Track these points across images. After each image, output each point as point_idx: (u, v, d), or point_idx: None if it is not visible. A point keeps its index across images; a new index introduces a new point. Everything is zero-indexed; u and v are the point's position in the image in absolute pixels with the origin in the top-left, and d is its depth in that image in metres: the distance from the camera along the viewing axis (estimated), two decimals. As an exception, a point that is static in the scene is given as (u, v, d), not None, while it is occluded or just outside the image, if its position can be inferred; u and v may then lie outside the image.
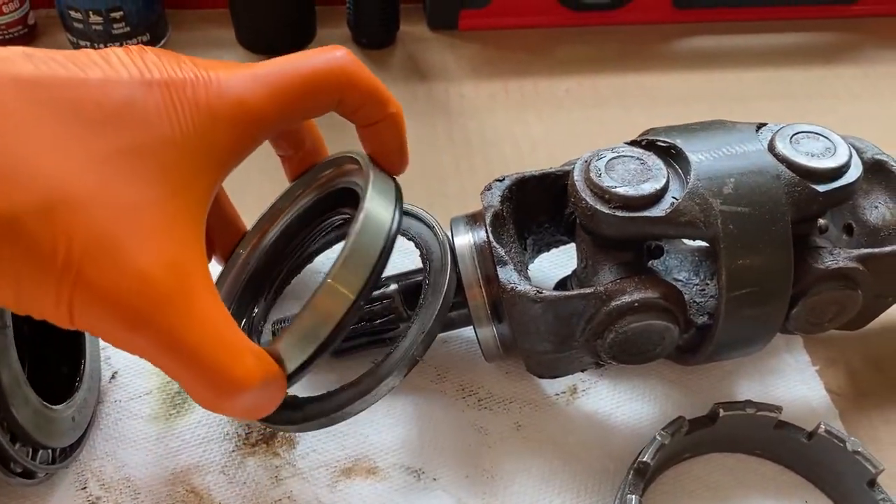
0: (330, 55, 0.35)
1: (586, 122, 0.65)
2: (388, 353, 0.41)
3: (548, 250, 0.50)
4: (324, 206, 0.44)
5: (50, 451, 0.39)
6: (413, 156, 0.62)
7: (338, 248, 0.38)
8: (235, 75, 0.32)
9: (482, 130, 0.64)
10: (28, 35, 0.68)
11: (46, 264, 0.27)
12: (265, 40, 0.68)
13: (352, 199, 0.39)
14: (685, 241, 0.47)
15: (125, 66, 0.30)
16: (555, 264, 0.51)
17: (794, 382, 0.48)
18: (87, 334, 0.43)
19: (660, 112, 0.66)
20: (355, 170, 0.40)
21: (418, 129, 0.63)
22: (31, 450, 0.37)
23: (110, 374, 0.46)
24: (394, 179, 0.39)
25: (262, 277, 0.45)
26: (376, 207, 0.35)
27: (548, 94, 0.68)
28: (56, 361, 0.42)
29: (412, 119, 0.64)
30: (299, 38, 0.69)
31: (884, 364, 0.50)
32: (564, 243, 0.49)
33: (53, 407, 0.38)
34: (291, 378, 0.35)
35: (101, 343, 0.46)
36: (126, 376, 0.46)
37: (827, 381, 0.48)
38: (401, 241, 0.48)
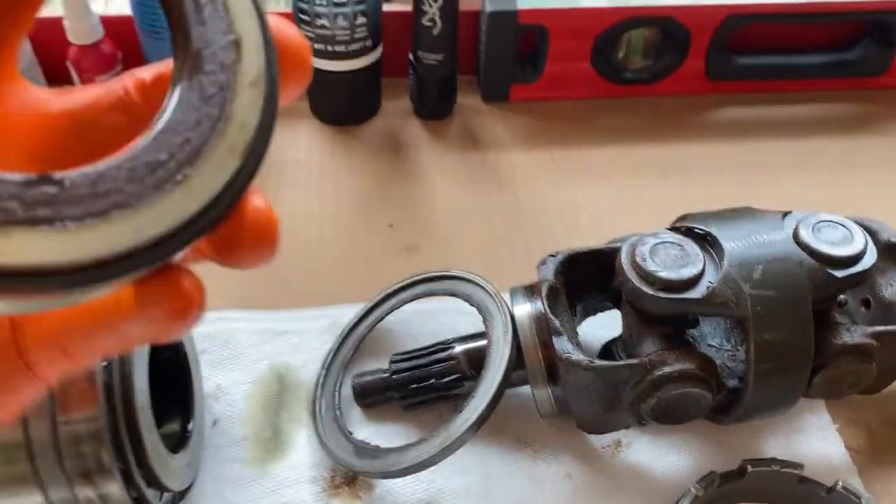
0: None
1: (626, 190, 0.71)
2: (459, 409, 0.47)
3: (594, 314, 0.55)
4: None
5: (172, 493, 0.45)
6: (468, 222, 0.68)
7: None
8: None
9: (531, 197, 0.70)
10: None
11: None
12: (336, 112, 0.75)
13: None
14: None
15: None
16: (602, 325, 0.57)
17: (815, 440, 0.53)
18: (195, 391, 0.50)
19: (694, 181, 0.71)
20: None
21: (473, 197, 0.70)
22: (160, 493, 0.43)
23: (212, 421, 0.52)
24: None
25: None
26: None
27: (591, 162, 0.73)
28: (170, 415, 0.49)
29: (468, 187, 0.71)
30: (366, 110, 0.76)
31: (900, 424, 0.55)
32: (609, 308, 0.55)
33: (174, 455, 0.45)
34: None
35: (204, 393, 0.53)
36: (225, 423, 0.52)
37: (847, 440, 0.53)
38: (463, 305, 0.54)
